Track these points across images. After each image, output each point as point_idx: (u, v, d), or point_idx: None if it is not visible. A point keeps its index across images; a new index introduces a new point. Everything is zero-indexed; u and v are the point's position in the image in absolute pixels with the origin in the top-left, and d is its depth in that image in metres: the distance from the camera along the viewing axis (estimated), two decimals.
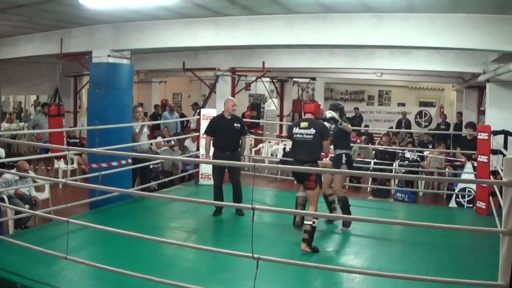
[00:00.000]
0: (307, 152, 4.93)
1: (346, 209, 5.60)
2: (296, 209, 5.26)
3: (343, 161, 5.56)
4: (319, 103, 5.38)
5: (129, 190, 6.11)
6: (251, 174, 4.12)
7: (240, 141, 6.33)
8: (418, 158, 9.01)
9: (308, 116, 5.13)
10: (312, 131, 4.93)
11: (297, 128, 5.03)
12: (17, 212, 5.42)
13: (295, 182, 5.36)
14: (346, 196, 5.68)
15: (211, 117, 6.89)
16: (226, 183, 6.21)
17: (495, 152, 6.44)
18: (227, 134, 6.10)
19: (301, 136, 4.97)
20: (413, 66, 8.77)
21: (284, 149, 10.57)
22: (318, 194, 4.99)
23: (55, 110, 8.00)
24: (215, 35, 6.18)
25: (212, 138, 6.18)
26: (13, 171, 5.90)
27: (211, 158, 6.15)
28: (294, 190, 8.77)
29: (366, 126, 13.70)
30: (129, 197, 6.64)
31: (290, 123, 5.73)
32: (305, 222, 4.74)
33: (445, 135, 10.70)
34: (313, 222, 4.67)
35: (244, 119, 7.01)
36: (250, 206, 3.35)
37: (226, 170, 6.23)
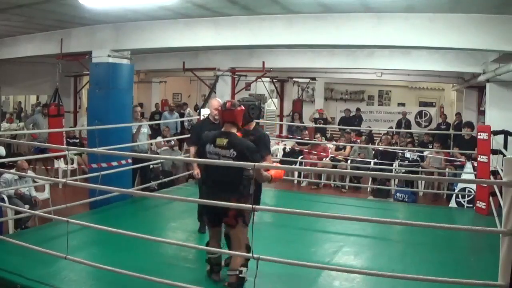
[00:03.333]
0: (227, 180, 3.51)
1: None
2: (212, 271, 3.78)
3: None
4: (242, 107, 3.69)
5: (129, 190, 6.11)
6: (251, 174, 3.98)
7: None
8: (418, 158, 9.01)
9: (228, 128, 3.60)
10: (232, 153, 3.48)
11: (212, 146, 3.57)
12: (17, 212, 5.42)
13: (207, 223, 3.83)
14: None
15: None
16: None
17: (495, 152, 6.44)
18: None
19: (217, 157, 3.53)
20: (413, 66, 8.77)
21: (284, 149, 10.57)
22: (243, 233, 3.60)
23: (55, 110, 8.01)
24: (215, 35, 6.17)
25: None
26: (13, 171, 5.91)
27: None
28: (294, 190, 8.83)
29: (369, 127, 13.72)
30: (129, 197, 6.64)
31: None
32: (229, 273, 3.55)
33: (445, 135, 10.71)
34: (240, 272, 3.48)
35: None
36: (250, 206, 3.35)
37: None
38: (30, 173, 6.37)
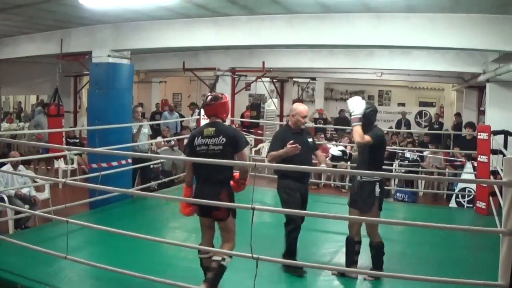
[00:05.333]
0: (216, 169, 3.51)
1: (379, 257, 4.13)
2: (205, 276, 3.65)
3: (376, 193, 4.01)
4: (226, 97, 3.74)
5: (129, 190, 6.11)
6: (251, 174, 3.97)
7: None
8: (418, 158, 9.01)
9: (213, 120, 3.67)
10: (221, 139, 3.55)
11: (200, 137, 3.60)
12: (17, 212, 5.42)
13: (200, 215, 3.72)
14: (382, 242, 4.16)
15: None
16: None
17: (495, 152, 6.44)
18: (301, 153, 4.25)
19: (206, 148, 3.57)
20: (413, 66, 8.77)
21: None
22: (235, 225, 3.69)
23: (54, 110, 8.01)
24: (215, 35, 6.17)
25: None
26: (7, 166, 5.97)
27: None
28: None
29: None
30: (129, 197, 6.64)
31: (190, 133, 4.01)
32: (214, 258, 3.58)
33: (441, 135, 10.71)
34: (223, 259, 3.52)
35: (244, 119, 6.95)
36: (250, 206, 3.35)
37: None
38: (30, 173, 6.38)
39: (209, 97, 3.72)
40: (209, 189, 3.53)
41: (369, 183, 3.97)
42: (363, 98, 4.42)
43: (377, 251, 4.11)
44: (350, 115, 4.06)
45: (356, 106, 3.99)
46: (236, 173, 3.71)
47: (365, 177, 3.99)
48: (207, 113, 3.72)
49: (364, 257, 4.78)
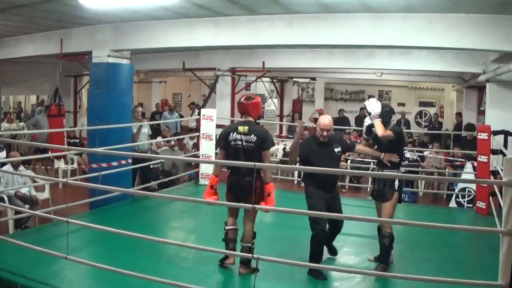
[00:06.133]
0: (251, 161, 3.85)
1: (387, 250, 4.34)
2: (228, 247, 4.15)
3: (396, 186, 4.26)
4: (258, 99, 4.19)
5: (129, 190, 6.11)
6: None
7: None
8: (418, 158, 9.01)
9: (246, 117, 4.14)
10: (253, 137, 4.01)
11: (235, 133, 4.06)
12: (17, 212, 5.42)
13: (231, 200, 4.09)
14: (392, 234, 4.33)
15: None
16: None
17: (495, 152, 6.44)
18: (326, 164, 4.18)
19: (240, 143, 4.03)
20: (413, 66, 8.78)
21: (284, 148, 10.57)
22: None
23: (55, 110, 8.02)
24: (215, 35, 6.17)
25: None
26: (8, 166, 5.98)
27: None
28: (294, 190, 8.82)
29: None
30: (129, 197, 6.64)
31: (223, 129, 4.37)
32: (243, 244, 4.08)
33: (441, 135, 10.71)
34: (252, 244, 4.06)
35: None
36: (250, 206, 3.35)
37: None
38: (30, 172, 6.38)
39: (243, 97, 4.20)
40: (243, 178, 3.98)
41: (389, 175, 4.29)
42: (363, 98, 4.60)
43: (386, 241, 4.28)
44: (369, 114, 4.29)
45: (374, 105, 4.27)
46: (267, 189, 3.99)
47: (385, 171, 4.32)
48: (240, 111, 4.22)
49: (364, 257, 4.79)
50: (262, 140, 4.02)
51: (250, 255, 3.88)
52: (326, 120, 4.28)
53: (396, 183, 4.26)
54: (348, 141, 5.20)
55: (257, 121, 4.25)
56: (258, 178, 3.94)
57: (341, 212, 4.42)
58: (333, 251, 4.72)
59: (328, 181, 4.27)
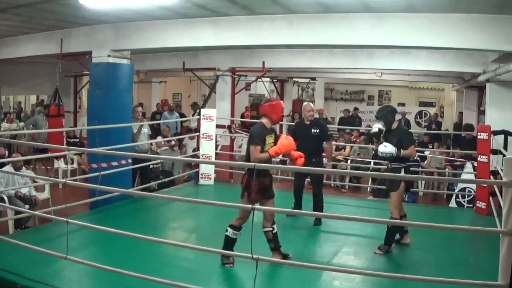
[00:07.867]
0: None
1: (390, 233, 4.84)
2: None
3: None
4: (277, 101, 4.47)
5: (129, 190, 6.11)
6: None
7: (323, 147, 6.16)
8: (418, 158, 8.99)
9: (262, 119, 4.44)
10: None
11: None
12: (17, 212, 5.42)
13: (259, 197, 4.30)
14: (400, 219, 4.87)
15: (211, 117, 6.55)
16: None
17: (495, 152, 6.44)
18: (305, 139, 5.71)
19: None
20: (413, 66, 8.76)
21: None
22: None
23: (55, 110, 8.01)
24: (215, 35, 6.17)
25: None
26: (8, 166, 5.97)
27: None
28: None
29: (368, 126, 13.74)
30: (129, 197, 6.64)
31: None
32: (265, 229, 4.36)
33: (441, 135, 10.70)
34: (273, 229, 4.38)
35: (243, 119, 7.00)
36: (250, 206, 3.35)
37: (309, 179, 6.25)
38: (30, 173, 6.37)
39: (264, 99, 4.77)
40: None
41: (396, 168, 4.86)
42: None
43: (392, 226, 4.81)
44: (390, 156, 4.83)
45: (389, 149, 4.80)
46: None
47: (394, 164, 4.88)
48: (259, 112, 4.80)
49: (364, 257, 4.79)
50: (249, 135, 4.37)
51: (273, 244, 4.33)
52: (308, 106, 6.04)
53: (402, 173, 4.81)
54: (328, 133, 6.15)
55: (275, 123, 4.44)
56: (252, 176, 4.10)
57: (317, 178, 5.91)
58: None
59: (307, 151, 5.14)
